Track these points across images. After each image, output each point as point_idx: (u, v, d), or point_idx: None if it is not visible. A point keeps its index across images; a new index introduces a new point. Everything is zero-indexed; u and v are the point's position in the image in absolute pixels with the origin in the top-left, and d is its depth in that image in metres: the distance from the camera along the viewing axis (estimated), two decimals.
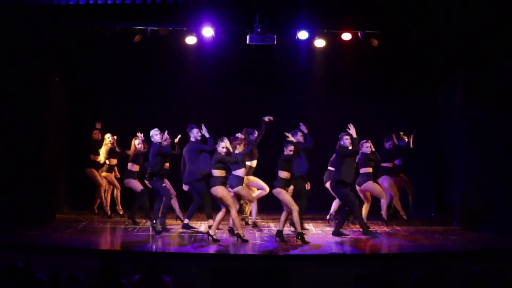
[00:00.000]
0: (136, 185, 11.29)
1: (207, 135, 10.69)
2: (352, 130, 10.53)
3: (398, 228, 11.39)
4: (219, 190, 10.01)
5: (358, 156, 11.06)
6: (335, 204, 11.78)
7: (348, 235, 10.65)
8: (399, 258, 9.40)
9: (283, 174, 10.06)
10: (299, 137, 10.77)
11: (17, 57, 11.14)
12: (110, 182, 12.27)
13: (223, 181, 10.11)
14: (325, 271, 8.86)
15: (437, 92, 13.14)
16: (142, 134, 11.40)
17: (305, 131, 10.71)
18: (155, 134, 10.80)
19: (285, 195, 10.06)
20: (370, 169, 11.20)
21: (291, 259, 9.27)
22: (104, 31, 11.69)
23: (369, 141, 11.20)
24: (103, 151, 12.04)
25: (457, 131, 11.87)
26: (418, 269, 7.60)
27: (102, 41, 11.97)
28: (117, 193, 12.29)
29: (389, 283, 6.97)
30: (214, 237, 10.04)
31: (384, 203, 11.37)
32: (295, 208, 10.03)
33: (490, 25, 10.99)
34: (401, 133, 12.14)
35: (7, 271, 6.89)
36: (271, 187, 10.48)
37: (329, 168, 11.44)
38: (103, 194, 12.36)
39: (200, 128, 10.79)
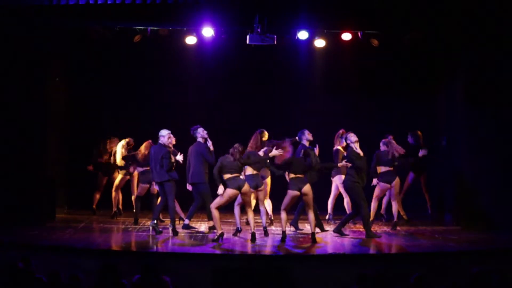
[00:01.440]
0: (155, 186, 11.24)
1: (211, 148, 10.69)
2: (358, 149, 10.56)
3: (398, 228, 11.37)
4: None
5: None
6: (331, 203, 11.80)
7: (348, 235, 10.65)
8: (399, 258, 9.40)
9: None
10: (307, 136, 10.77)
11: (17, 57, 11.14)
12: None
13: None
14: (325, 271, 8.86)
15: (437, 92, 13.13)
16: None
17: (316, 152, 10.73)
18: (167, 137, 10.69)
19: (312, 196, 10.15)
20: (392, 168, 11.25)
21: (291, 259, 9.27)
22: (104, 31, 11.68)
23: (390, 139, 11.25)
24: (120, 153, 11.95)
25: (457, 131, 11.87)
26: (418, 269, 7.61)
27: (102, 41, 11.97)
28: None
29: (389, 283, 6.98)
30: None
31: (395, 208, 11.33)
32: (312, 209, 10.15)
33: (490, 25, 10.99)
34: (419, 132, 12.20)
35: (7, 271, 6.90)
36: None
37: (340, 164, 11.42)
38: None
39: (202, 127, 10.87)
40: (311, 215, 10.15)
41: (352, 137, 10.63)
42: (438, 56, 12.55)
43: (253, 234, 10.06)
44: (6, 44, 11.13)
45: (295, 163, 10.15)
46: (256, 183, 10.32)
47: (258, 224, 11.25)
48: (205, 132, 10.89)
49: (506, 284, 6.65)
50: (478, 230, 11.00)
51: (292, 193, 10.10)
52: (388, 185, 11.21)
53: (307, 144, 10.81)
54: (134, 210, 11.75)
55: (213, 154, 10.70)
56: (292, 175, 10.12)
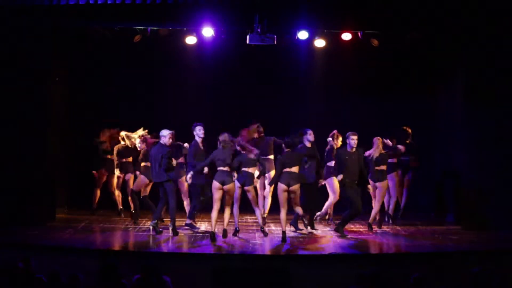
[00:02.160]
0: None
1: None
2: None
3: (398, 228, 11.39)
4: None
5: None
6: (328, 203, 11.76)
7: (347, 235, 10.62)
8: (399, 258, 9.40)
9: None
10: (309, 137, 10.76)
11: (17, 57, 11.15)
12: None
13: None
14: (325, 271, 8.86)
15: (437, 92, 13.14)
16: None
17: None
18: (168, 137, 10.66)
19: (299, 194, 10.24)
20: (385, 167, 11.24)
21: (292, 259, 9.26)
22: (104, 31, 11.68)
23: (380, 138, 11.24)
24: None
25: (458, 131, 11.87)
26: (418, 269, 7.60)
27: (102, 41, 11.97)
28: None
29: (389, 283, 6.98)
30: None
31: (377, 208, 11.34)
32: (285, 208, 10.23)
33: (490, 25, 11.00)
34: (405, 127, 12.17)
35: (7, 271, 6.90)
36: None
37: (328, 164, 11.39)
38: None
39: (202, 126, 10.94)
40: (284, 215, 10.14)
41: (352, 141, 10.59)
42: (438, 56, 12.55)
43: (224, 231, 10.21)
44: (6, 44, 11.13)
45: (285, 159, 10.17)
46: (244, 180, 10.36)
47: (255, 223, 11.30)
48: (202, 131, 10.88)
49: (506, 285, 6.64)
50: (478, 230, 11.00)
51: (281, 186, 10.10)
52: (375, 183, 11.20)
53: (308, 145, 10.82)
54: (133, 210, 11.75)
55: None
56: (286, 169, 10.14)
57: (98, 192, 12.59)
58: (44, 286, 6.78)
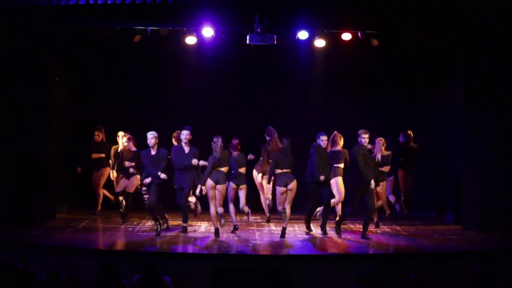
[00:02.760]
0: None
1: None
2: None
3: (398, 228, 11.39)
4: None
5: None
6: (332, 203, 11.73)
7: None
8: (399, 258, 9.40)
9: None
10: (320, 142, 10.74)
11: (17, 57, 11.15)
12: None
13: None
14: (325, 271, 8.87)
15: (437, 92, 13.14)
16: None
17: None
18: (148, 138, 10.65)
19: (295, 192, 10.43)
20: (387, 168, 11.21)
21: (292, 259, 9.26)
22: (104, 31, 11.68)
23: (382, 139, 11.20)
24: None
25: (458, 131, 11.88)
26: (418, 269, 7.62)
27: (102, 41, 11.97)
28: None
29: (389, 283, 6.99)
30: None
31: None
32: (291, 205, 10.39)
33: (491, 25, 11.00)
34: (410, 131, 12.15)
35: (7, 271, 6.90)
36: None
37: (335, 165, 11.31)
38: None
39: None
40: (289, 210, 10.32)
41: (363, 139, 10.57)
42: (438, 56, 12.54)
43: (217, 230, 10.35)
44: (6, 44, 11.13)
45: (280, 158, 10.25)
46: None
47: (255, 223, 11.29)
48: (184, 137, 10.72)
49: (506, 285, 6.65)
50: (478, 230, 11.01)
51: (279, 189, 10.28)
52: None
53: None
54: (122, 209, 11.77)
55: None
56: (278, 170, 10.21)
57: (101, 192, 12.58)
58: (44, 286, 6.78)
